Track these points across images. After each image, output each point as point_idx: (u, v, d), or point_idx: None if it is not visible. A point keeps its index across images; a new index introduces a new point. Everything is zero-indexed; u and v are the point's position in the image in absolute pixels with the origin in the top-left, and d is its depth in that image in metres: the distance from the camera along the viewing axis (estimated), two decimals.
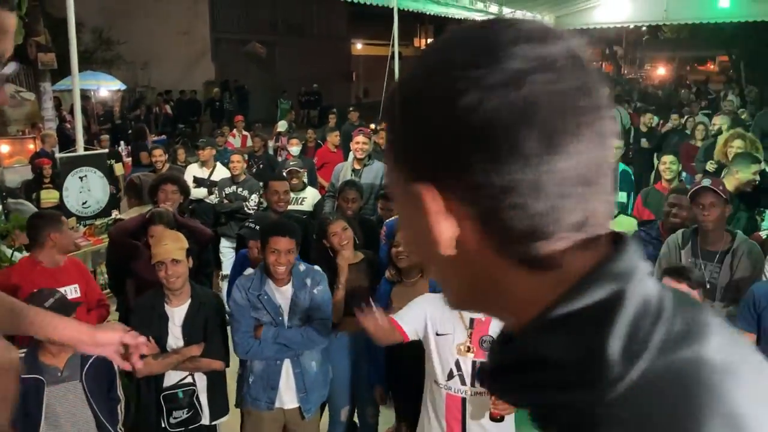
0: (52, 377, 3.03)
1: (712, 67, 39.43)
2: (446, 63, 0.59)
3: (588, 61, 0.59)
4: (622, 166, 6.46)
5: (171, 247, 3.48)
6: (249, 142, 11.16)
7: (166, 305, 3.53)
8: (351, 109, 13.97)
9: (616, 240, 0.61)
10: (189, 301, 3.56)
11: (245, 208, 6.55)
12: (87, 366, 3.15)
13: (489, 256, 0.60)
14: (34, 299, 2.96)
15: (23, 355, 2.92)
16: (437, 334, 3.07)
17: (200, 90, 22.43)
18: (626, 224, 4.71)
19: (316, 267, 3.75)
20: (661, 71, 37.75)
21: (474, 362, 3.00)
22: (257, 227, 4.26)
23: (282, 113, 19.27)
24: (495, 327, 2.93)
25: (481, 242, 0.59)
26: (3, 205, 6.71)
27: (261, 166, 8.81)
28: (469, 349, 3.01)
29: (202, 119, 20.30)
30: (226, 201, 6.69)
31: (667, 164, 6.03)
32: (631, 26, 22.85)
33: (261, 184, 6.29)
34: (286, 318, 3.54)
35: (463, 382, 3.02)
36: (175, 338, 3.52)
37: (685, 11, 15.93)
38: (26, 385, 2.88)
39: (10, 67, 0.98)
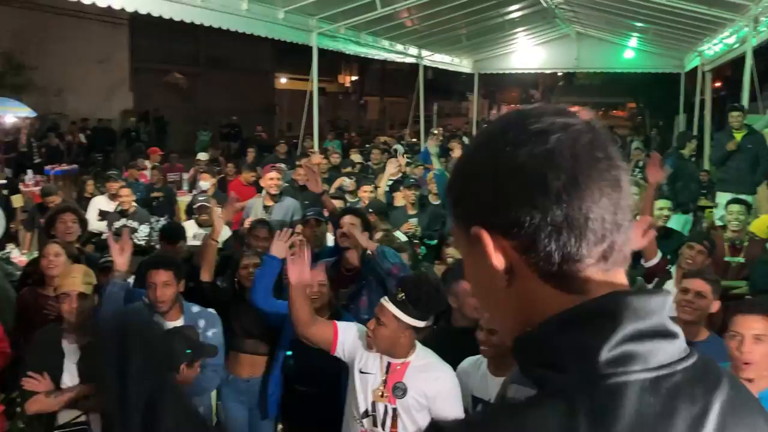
0: None
1: (622, 113, 41.54)
2: (489, 135, 0.79)
3: (601, 127, 0.77)
4: None
5: (80, 280, 3.36)
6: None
7: (63, 341, 3.40)
8: (282, 141, 13.79)
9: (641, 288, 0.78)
10: (88, 338, 3.44)
11: (135, 240, 6.39)
12: None
13: (531, 281, 0.75)
14: None
15: None
16: (361, 372, 3.07)
17: (117, 119, 21.86)
18: None
19: (210, 310, 3.71)
20: None
21: (386, 407, 3.01)
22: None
23: (201, 144, 18.99)
24: (409, 374, 2.95)
25: (525, 270, 0.75)
26: None
27: (161, 199, 8.57)
28: (382, 395, 3.01)
29: (118, 149, 19.76)
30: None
31: None
32: (548, 72, 23.94)
33: (153, 217, 6.22)
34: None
35: (375, 424, 3.02)
36: (71, 375, 3.39)
37: (594, 60, 16.83)
38: None
39: None
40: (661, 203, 5.58)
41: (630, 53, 16.20)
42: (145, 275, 3.52)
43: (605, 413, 0.68)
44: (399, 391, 2.98)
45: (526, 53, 17.23)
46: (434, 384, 2.91)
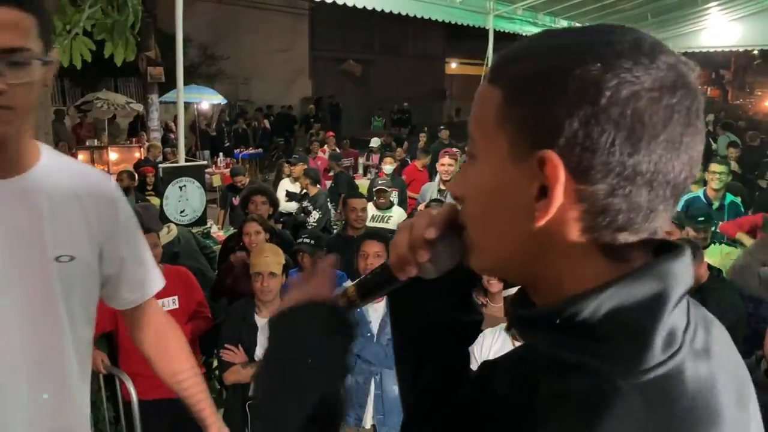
0: None
1: None
2: (607, 48, 0.61)
3: (702, 93, 0.65)
4: (730, 197, 6.05)
5: (271, 260, 3.56)
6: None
7: (256, 315, 3.62)
8: (442, 127, 13.94)
9: (670, 245, 0.66)
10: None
11: (306, 224, 6.66)
12: None
13: (573, 233, 0.63)
14: None
15: None
16: None
17: (296, 106, 23.07)
18: None
19: None
20: None
21: None
22: (312, 242, 4.37)
23: (375, 131, 19.52)
24: None
25: (575, 219, 0.62)
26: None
27: (333, 185, 8.89)
28: None
29: (297, 134, 20.89)
30: (302, 215, 6.87)
31: None
32: (741, 50, 21.84)
33: (331, 202, 6.46)
34: (375, 333, 3.57)
35: None
36: (263, 349, 3.59)
37: None
38: None
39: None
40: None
41: None
42: (358, 249, 3.65)
43: (673, 401, 0.60)
44: None
45: (719, 30, 15.80)
46: None
